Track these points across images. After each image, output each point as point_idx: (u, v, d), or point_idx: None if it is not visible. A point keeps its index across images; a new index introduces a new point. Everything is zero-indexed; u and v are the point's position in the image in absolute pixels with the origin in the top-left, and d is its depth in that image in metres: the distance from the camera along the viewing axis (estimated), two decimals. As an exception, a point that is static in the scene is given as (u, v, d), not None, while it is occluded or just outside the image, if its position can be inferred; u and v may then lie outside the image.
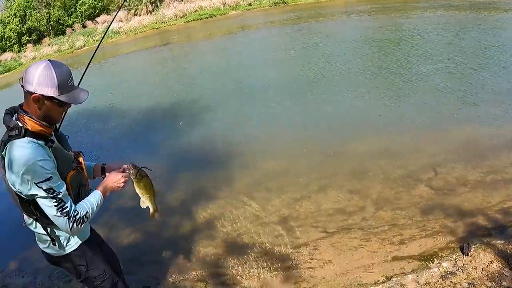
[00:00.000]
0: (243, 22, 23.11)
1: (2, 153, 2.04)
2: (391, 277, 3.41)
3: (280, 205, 4.80)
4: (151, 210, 2.68)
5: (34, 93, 1.97)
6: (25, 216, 2.34)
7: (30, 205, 2.15)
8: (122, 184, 2.46)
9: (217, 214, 4.90)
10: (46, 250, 2.50)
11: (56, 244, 2.40)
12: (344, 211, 4.43)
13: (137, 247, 4.67)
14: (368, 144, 5.79)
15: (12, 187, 2.06)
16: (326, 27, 16.20)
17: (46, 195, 2.02)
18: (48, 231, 2.32)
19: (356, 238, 3.98)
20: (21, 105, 2.13)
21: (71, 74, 2.10)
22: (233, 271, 3.91)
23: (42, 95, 1.99)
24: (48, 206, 2.06)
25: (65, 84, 2.04)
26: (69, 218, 2.10)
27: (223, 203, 5.13)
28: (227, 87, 10.61)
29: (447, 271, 3.30)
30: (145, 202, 2.61)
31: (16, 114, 2.11)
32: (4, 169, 2.05)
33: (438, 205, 4.23)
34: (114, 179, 2.45)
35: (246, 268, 3.90)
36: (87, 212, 2.23)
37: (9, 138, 2.00)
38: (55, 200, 2.04)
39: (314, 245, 4.01)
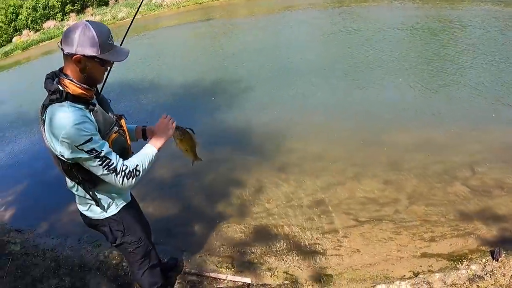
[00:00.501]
0: (287, 2, 22.74)
1: (43, 117, 2.06)
2: (418, 273, 3.41)
3: (313, 188, 4.83)
4: (192, 160, 2.81)
5: (75, 54, 1.96)
6: (67, 179, 2.38)
7: (72, 168, 2.17)
8: (172, 128, 2.48)
9: (248, 193, 5.00)
10: (86, 213, 2.54)
11: (98, 207, 2.45)
12: (377, 202, 4.42)
13: (168, 219, 4.83)
14: (405, 135, 5.69)
15: (53, 150, 2.08)
16: (368, 12, 15.78)
17: (89, 156, 2.02)
18: (91, 194, 2.35)
19: (386, 230, 3.98)
20: (61, 69, 2.12)
21: (111, 33, 2.08)
22: (260, 251, 4.00)
23: (83, 55, 1.97)
24: (93, 167, 2.08)
25: (106, 42, 2.02)
26: (117, 174, 2.13)
27: (255, 182, 5.21)
28: (265, 67, 10.57)
29: (475, 274, 3.27)
30: (188, 156, 2.74)
31: (57, 78, 2.10)
32: (45, 133, 2.07)
33: (472, 205, 4.15)
34: (162, 127, 2.47)
35: (273, 250, 3.98)
36: (137, 165, 2.22)
37: (50, 102, 2.00)
38: (99, 160, 2.05)
39: (344, 233, 4.04)
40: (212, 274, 3.71)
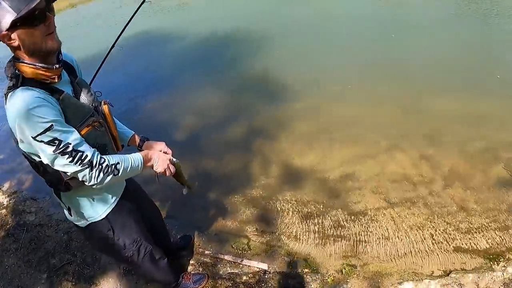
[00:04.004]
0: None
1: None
2: (450, 272, 3.15)
3: (342, 160, 4.49)
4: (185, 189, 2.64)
5: (1, 35, 1.61)
6: None
7: (39, 168, 1.84)
8: (163, 170, 2.14)
9: (272, 162, 4.68)
10: (69, 218, 2.20)
11: (75, 214, 2.11)
12: (411, 180, 4.08)
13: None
14: (450, 104, 5.14)
15: (19, 148, 1.77)
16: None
17: (51, 149, 1.64)
18: (62, 199, 2.03)
19: (419, 215, 3.68)
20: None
21: None
22: (279, 231, 3.77)
23: (7, 29, 1.59)
24: (62, 165, 1.70)
25: None
26: (92, 168, 1.74)
27: (280, 149, 4.87)
28: (300, 17, 9.77)
29: (511, 278, 3.03)
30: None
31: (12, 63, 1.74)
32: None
33: (515, 194, 3.81)
34: (162, 159, 2.14)
35: (293, 232, 3.74)
36: (117, 162, 1.86)
37: (8, 90, 1.68)
38: (67, 155, 1.67)
39: (372, 215, 3.75)
40: (226, 257, 3.52)
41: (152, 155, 2.12)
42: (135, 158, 1.99)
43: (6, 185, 5.82)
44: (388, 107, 5.32)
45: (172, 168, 2.19)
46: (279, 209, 4.02)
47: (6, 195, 5.46)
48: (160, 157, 2.15)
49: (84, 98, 1.94)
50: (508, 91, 5.36)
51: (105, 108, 2.04)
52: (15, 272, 4.04)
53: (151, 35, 10.30)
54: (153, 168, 2.14)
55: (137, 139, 2.42)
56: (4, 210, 5.12)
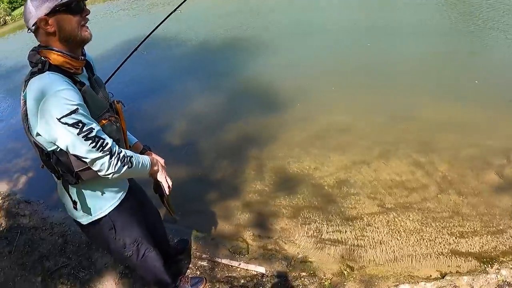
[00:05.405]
0: None
1: (23, 94, 1.73)
2: (445, 274, 3.18)
3: (337, 166, 4.52)
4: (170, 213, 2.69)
5: (38, 19, 1.69)
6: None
7: (50, 158, 1.83)
8: (164, 180, 2.28)
9: (268, 168, 4.70)
10: (71, 214, 2.20)
11: (81, 209, 2.09)
12: (405, 186, 4.12)
13: (180, 192, 4.50)
14: (441, 111, 5.18)
15: (31, 133, 1.76)
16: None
17: (75, 131, 1.66)
18: (69, 191, 2.00)
19: (413, 220, 3.72)
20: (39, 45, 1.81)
21: None
22: (276, 235, 3.79)
23: (46, 14, 1.67)
24: (83, 151, 1.72)
25: None
26: (112, 156, 1.78)
27: (275, 155, 4.90)
28: (294, 26, 9.85)
29: (505, 281, 3.03)
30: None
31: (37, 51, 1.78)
32: (26, 116, 1.73)
33: (506, 199, 3.84)
34: (163, 175, 2.29)
35: (291, 236, 3.76)
36: (132, 156, 1.92)
37: (31, 75, 1.72)
38: (90, 141, 1.70)
39: (368, 220, 3.79)
40: (224, 261, 3.53)
41: (157, 162, 2.24)
42: (145, 159, 2.09)
43: (-1, 188, 5.74)
44: (378, 115, 5.37)
45: (170, 182, 2.30)
46: (276, 213, 4.05)
47: (0, 198, 5.39)
48: (162, 168, 2.27)
49: (101, 94, 2.00)
50: (487, 96, 5.43)
51: (118, 106, 2.11)
52: (9, 275, 4.00)
53: (148, 40, 10.28)
54: (156, 176, 2.25)
55: (140, 147, 2.49)
56: (-3, 213, 5.06)
